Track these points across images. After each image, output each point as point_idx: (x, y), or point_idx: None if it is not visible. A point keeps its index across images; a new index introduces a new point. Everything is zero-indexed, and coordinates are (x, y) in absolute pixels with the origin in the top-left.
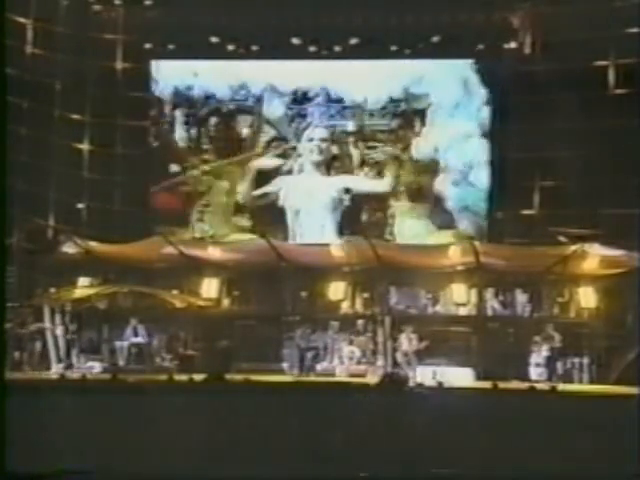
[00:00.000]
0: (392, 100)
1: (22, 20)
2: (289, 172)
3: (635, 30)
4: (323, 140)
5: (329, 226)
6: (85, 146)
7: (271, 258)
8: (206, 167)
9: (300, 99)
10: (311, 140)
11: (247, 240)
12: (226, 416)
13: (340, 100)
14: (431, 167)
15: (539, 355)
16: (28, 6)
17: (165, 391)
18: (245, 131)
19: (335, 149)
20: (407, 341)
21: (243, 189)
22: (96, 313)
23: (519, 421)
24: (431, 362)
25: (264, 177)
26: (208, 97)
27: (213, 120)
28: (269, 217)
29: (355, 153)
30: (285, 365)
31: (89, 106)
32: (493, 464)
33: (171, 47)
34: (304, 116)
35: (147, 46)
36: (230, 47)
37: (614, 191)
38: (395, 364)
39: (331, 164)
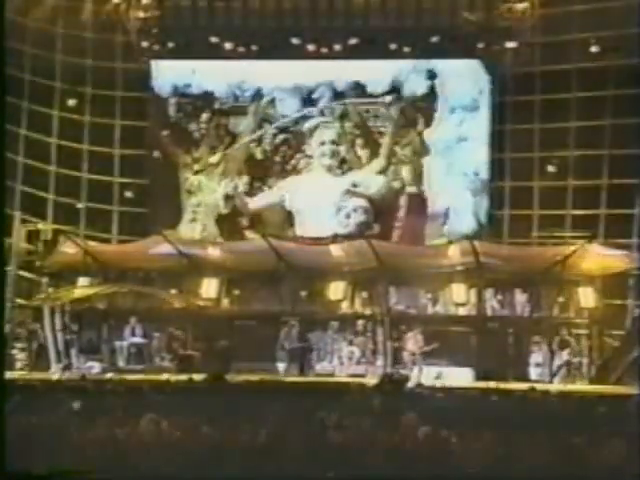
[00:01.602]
0: (395, 100)
1: (21, 20)
2: (294, 172)
3: (635, 30)
4: (334, 142)
5: (331, 226)
6: (85, 146)
7: (271, 258)
8: (198, 166)
9: (305, 100)
10: (323, 143)
11: (247, 240)
12: (225, 416)
13: (344, 101)
14: (433, 167)
15: (539, 355)
16: (27, 6)
17: (165, 391)
18: (243, 131)
19: (343, 150)
20: (413, 341)
21: (238, 189)
22: (96, 313)
23: (519, 421)
24: (431, 362)
25: (262, 177)
26: (207, 97)
27: (211, 120)
28: (270, 218)
29: (360, 154)
30: (282, 365)
31: (89, 106)
32: (493, 464)
33: (170, 46)
34: (307, 118)
35: (146, 45)
36: (229, 46)
37: (614, 191)
38: (395, 364)
39: (339, 165)
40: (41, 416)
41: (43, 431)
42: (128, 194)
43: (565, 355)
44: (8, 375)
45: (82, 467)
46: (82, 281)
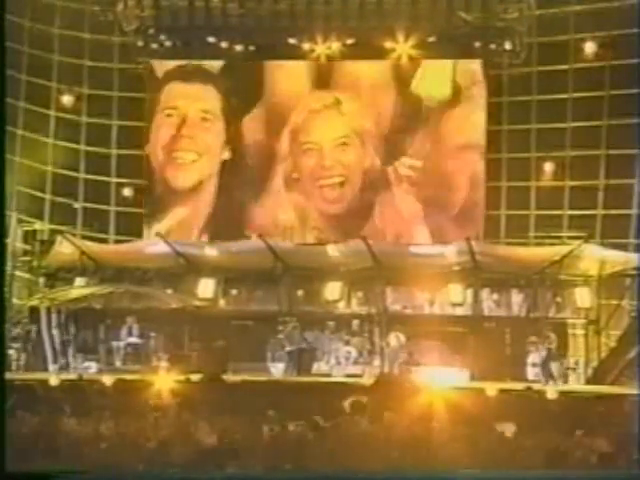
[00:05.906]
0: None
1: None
2: None
3: (635, 30)
4: None
5: None
6: (82, 146)
7: (267, 258)
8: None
9: None
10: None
11: (244, 240)
12: (223, 416)
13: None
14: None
15: (536, 355)
16: (27, 6)
17: (162, 391)
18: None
19: None
20: (396, 340)
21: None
22: (92, 313)
23: (517, 421)
24: (427, 362)
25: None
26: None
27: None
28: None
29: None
30: (279, 365)
31: (86, 105)
32: (491, 464)
33: (168, 46)
34: None
35: (144, 46)
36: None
37: (611, 191)
38: (392, 364)
39: None
40: (40, 416)
41: (42, 431)
42: (126, 192)
43: (543, 351)
44: (7, 375)
45: (81, 467)
46: (79, 281)
